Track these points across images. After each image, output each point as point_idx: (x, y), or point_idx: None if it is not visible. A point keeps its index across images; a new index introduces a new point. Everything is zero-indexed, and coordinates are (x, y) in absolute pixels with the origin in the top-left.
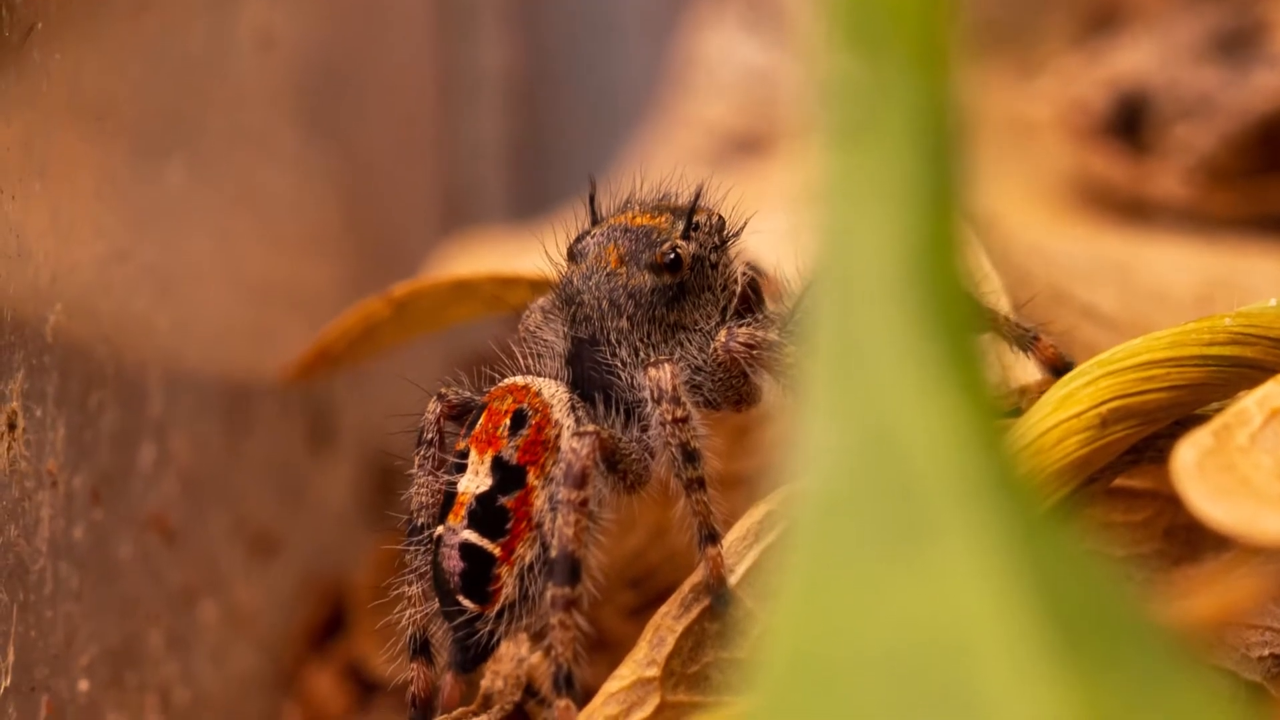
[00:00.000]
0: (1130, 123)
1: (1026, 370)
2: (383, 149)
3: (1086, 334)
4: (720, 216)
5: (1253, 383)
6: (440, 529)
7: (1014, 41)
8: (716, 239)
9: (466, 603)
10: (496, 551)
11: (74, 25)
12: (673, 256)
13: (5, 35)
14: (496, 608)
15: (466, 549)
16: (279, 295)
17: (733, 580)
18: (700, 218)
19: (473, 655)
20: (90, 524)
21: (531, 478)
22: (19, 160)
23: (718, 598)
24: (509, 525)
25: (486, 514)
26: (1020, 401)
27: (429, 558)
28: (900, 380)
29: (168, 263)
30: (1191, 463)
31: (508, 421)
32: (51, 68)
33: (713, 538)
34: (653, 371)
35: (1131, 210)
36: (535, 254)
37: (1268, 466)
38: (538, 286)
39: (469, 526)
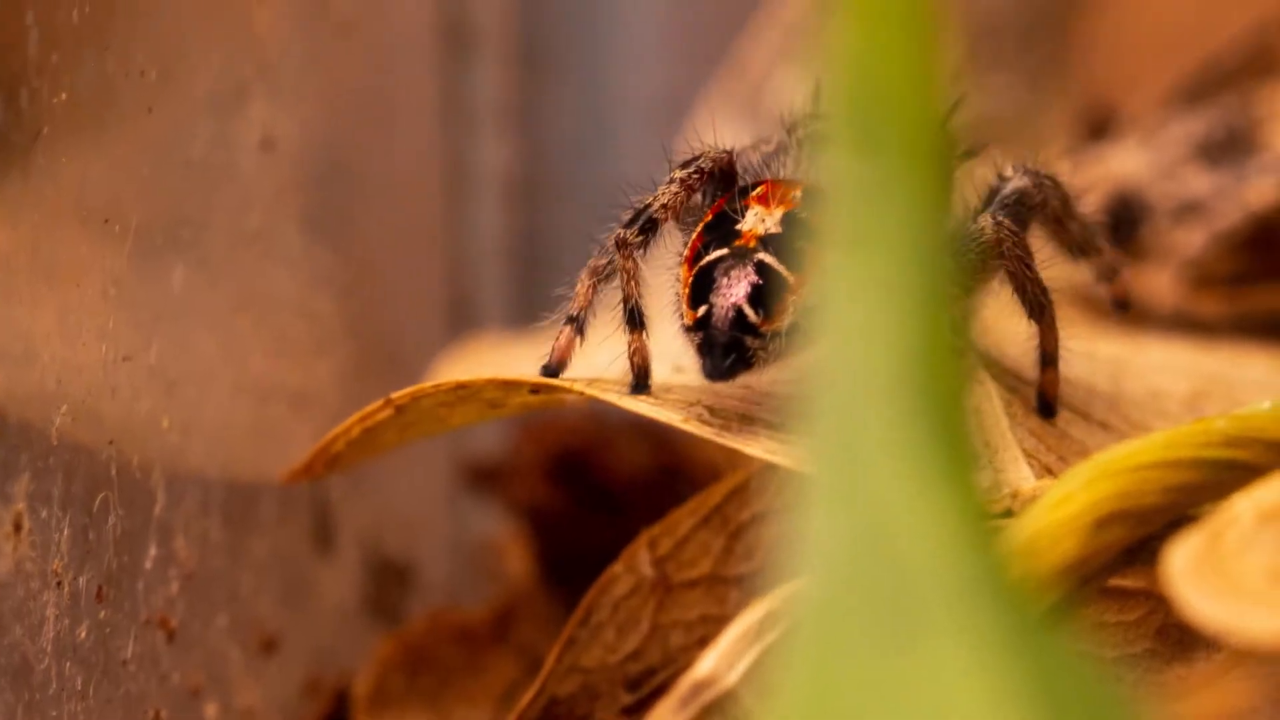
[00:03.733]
0: (1123, 226)
1: (1020, 474)
2: (386, 249)
3: (1080, 435)
4: None
5: (1245, 484)
6: (719, 253)
7: (1013, 143)
8: None
9: (750, 312)
10: (790, 279)
11: (80, 129)
12: None
13: (13, 139)
14: (775, 326)
15: (762, 267)
16: (282, 396)
17: (733, 678)
18: None
19: (730, 364)
20: (94, 623)
21: None
22: (26, 263)
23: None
24: (805, 262)
25: (783, 247)
26: (1013, 504)
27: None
28: (896, 481)
29: (172, 364)
30: (1184, 564)
31: (797, 193)
32: (58, 172)
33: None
34: None
35: (1107, 309)
36: (535, 358)
37: (1259, 568)
38: (538, 390)
39: (767, 250)
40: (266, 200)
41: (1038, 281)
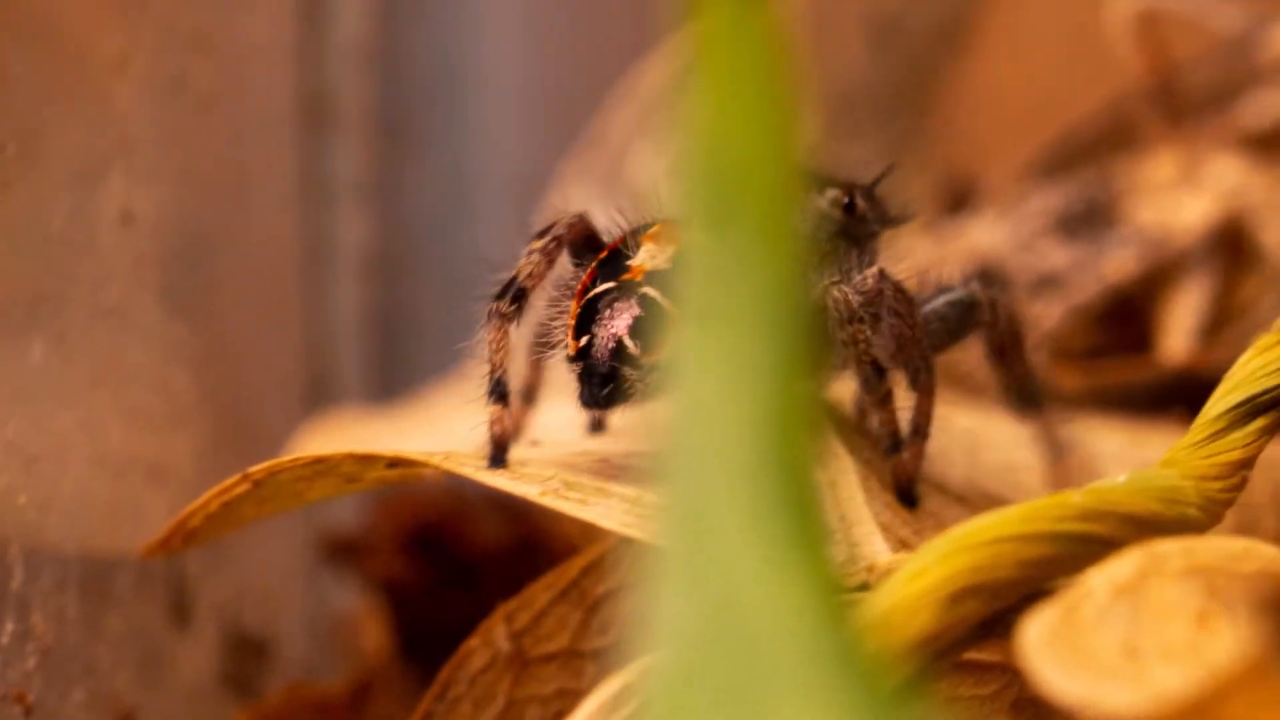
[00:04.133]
0: None
1: (876, 547)
2: (245, 324)
3: (935, 509)
4: None
5: (1101, 558)
6: (606, 286)
7: None
8: None
9: (630, 344)
10: (674, 313)
11: None
12: None
13: None
14: (654, 359)
15: (645, 301)
16: (140, 470)
17: None
18: None
19: (608, 394)
20: None
21: None
22: None
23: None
24: None
25: (671, 283)
26: (868, 578)
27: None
28: (747, 555)
29: (30, 440)
30: (1039, 638)
31: None
32: None
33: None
34: None
35: (980, 386)
36: (393, 433)
37: (1114, 642)
38: (395, 464)
39: (653, 285)
40: (125, 275)
41: (920, 343)
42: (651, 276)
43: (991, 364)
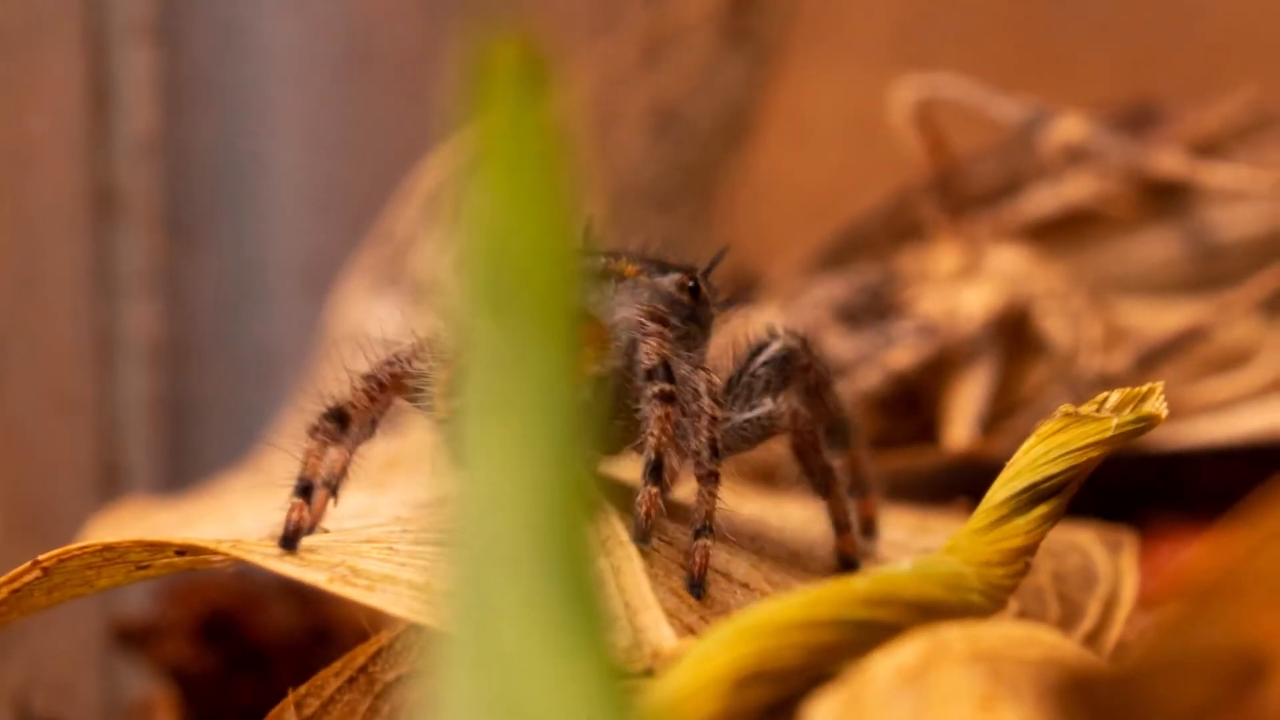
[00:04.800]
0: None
1: (661, 633)
2: (35, 413)
3: (721, 595)
4: None
5: (886, 643)
6: None
7: None
8: None
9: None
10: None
11: None
12: None
13: None
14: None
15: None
16: None
17: None
18: None
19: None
20: None
21: None
22: None
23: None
24: None
25: None
26: (654, 663)
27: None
28: (529, 642)
29: None
30: None
31: None
32: None
33: None
34: None
35: (765, 475)
36: (182, 521)
37: None
38: (183, 552)
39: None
40: None
41: (824, 461)
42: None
43: (808, 405)
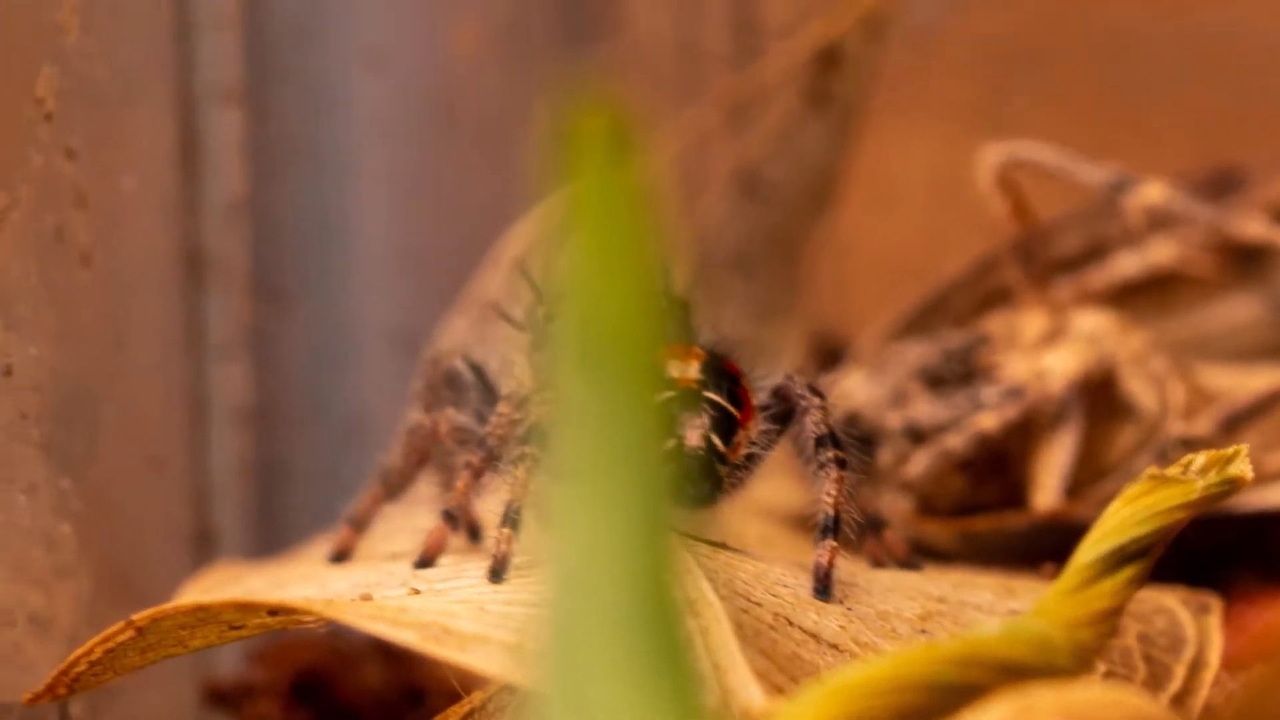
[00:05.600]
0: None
1: (750, 694)
2: (128, 476)
3: (811, 656)
4: None
5: (973, 705)
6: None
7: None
8: None
9: (718, 442)
10: (737, 415)
11: None
12: None
13: None
14: (736, 456)
15: (713, 404)
16: (24, 620)
17: None
18: None
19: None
20: None
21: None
22: None
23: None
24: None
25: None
26: None
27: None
28: (618, 706)
29: None
30: None
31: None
32: None
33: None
34: None
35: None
36: (274, 582)
37: None
38: (276, 612)
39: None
40: (5, 427)
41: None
42: (701, 384)
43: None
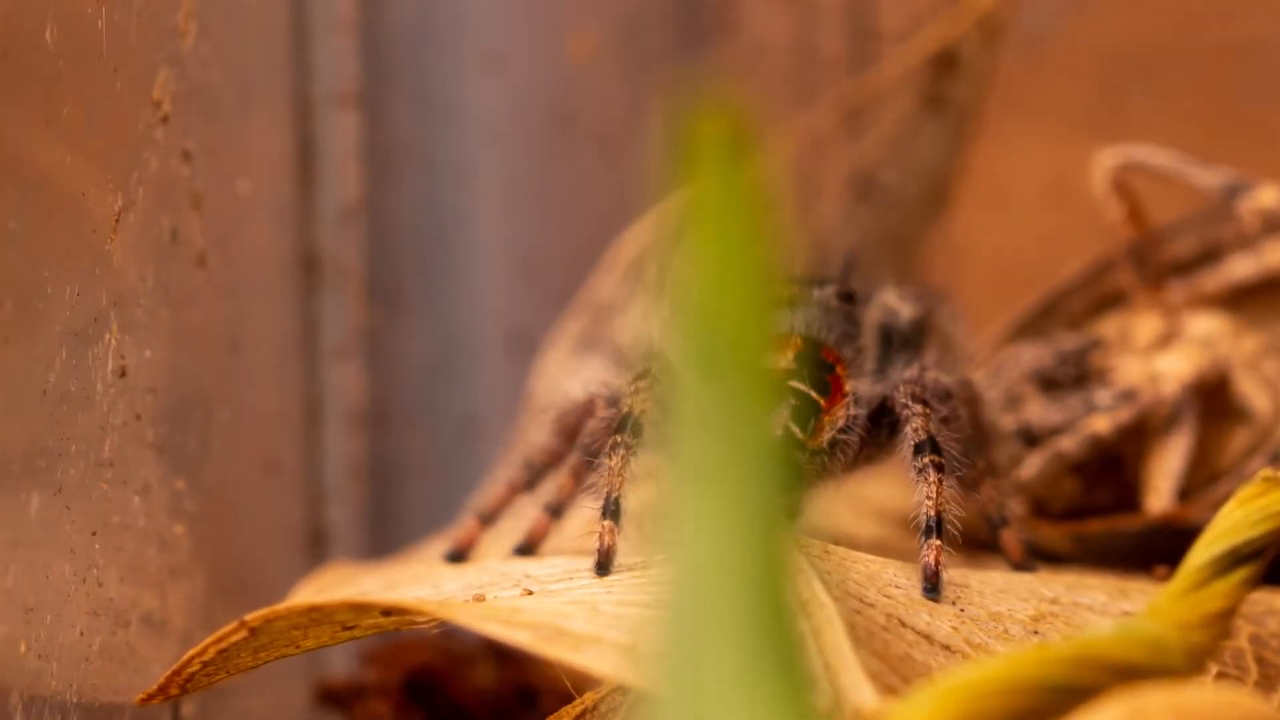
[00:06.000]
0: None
1: (863, 695)
2: (242, 477)
3: (924, 657)
4: None
5: (1086, 706)
6: None
7: None
8: None
9: (797, 430)
10: (822, 402)
11: None
12: None
13: None
14: (818, 442)
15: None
16: (137, 619)
17: None
18: None
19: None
20: None
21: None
22: None
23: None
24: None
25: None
26: None
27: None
28: (732, 706)
29: (28, 589)
30: None
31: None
32: None
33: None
34: None
35: (969, 539)
36: (386, 583)
37: None
38: (389, 612)
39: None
40: (121, 428)
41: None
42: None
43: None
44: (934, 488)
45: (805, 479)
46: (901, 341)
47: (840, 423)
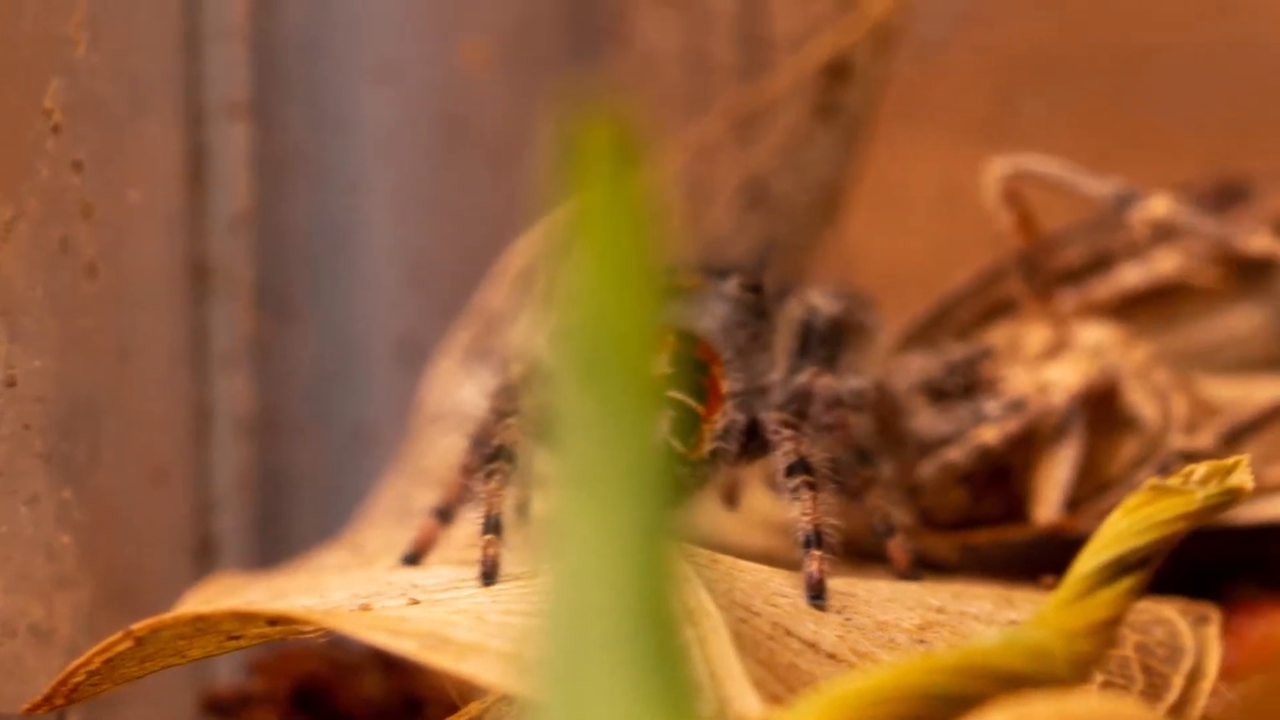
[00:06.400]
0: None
1: (747, 703)
2: (130, 487)
3: (809, 665)
4: None
5: (971, 715)
6: None
7: None
8: None
9: (678, 444)
10: (701, 410)
11: None
12: None
13: None
14: (697, 454)
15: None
16: (24, 630)
17: None
18: None
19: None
20: None
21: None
22: None
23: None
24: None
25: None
26: None
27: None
28: (615, 715)
29: None
30: None
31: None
32: None
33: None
34: None
35: (856, 549)
36: (274, 593)
37: None
38: (275, 622)
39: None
40: (8, 438)
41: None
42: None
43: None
44: (808, 504)
45: (687, 491)
46: (819, 339)
47: (719, 429)
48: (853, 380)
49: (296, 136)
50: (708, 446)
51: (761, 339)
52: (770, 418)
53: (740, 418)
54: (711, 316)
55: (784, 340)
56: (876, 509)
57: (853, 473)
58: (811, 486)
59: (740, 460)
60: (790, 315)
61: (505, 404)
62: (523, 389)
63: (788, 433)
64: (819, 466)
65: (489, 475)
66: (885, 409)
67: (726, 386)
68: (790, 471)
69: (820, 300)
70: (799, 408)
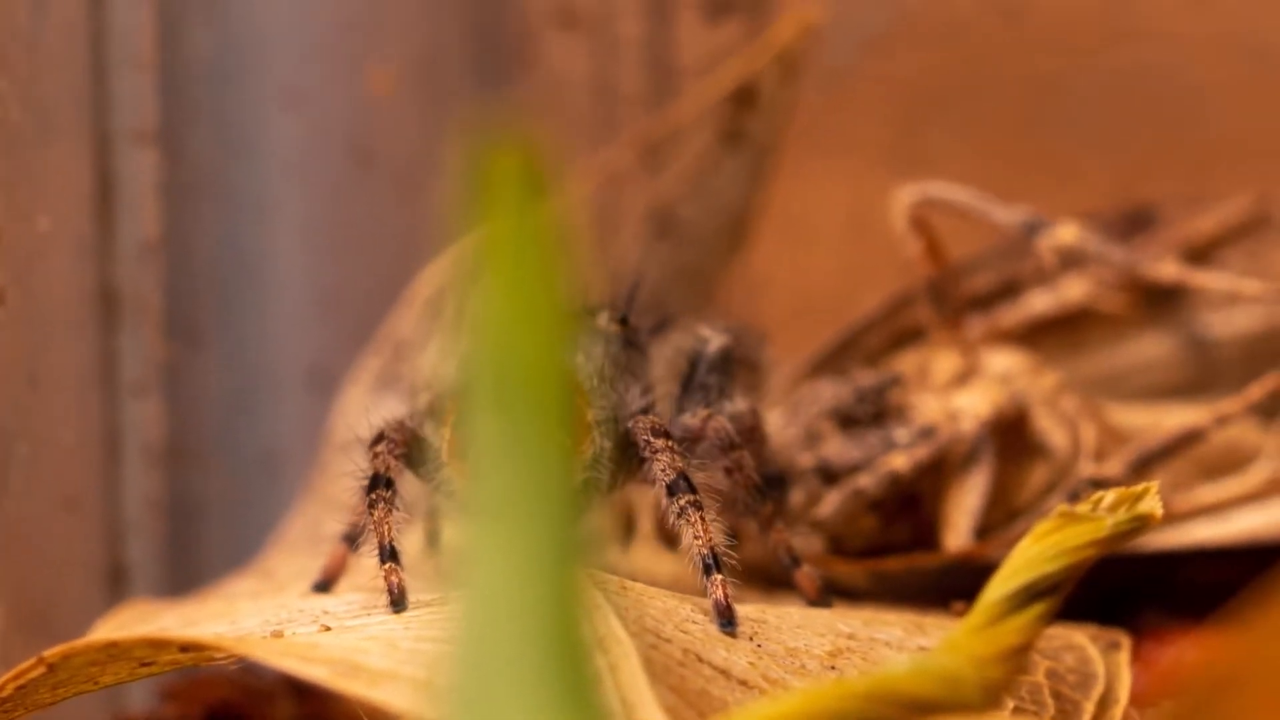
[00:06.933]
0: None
1: None
2: (40, 515)
3: (720, 692)
4: None
5: None
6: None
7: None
8: None
9: None
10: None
11: None
12: None
13: None
14: None
15: None
16: None
17: None
18: None
19: None
20: None
21: None
22: None
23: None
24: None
25: None
26: None
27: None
28: None
29: None
30: None
31: None
32: None
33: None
34: None
35: (767, 576)
36: (185, 619)
37: None
38: (187, 648)
39: None
40: None
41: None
42: None
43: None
44: (699, 527)
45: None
46: (707, 371)
47: (588, 458)
48: (728, 405)
49: (205, 163)
50: (580, 478)
51: (632, 369)
52: (639, 426)
53: (608, 445)
54: (581, 350)
55: (667, 370)
56: (779, 543)
57: (753, 510)
58: (697, 505)
59: (615, 485)
60: (678, 346)
61: (377, 433)
62: (401, 416)
63: (660, 443)
64: (699, 483)
65: (371, 505)
66: (751, 435)
67: (591, 415)
68: (672, 492)
69: (708, 332)
70: (688, 448)
